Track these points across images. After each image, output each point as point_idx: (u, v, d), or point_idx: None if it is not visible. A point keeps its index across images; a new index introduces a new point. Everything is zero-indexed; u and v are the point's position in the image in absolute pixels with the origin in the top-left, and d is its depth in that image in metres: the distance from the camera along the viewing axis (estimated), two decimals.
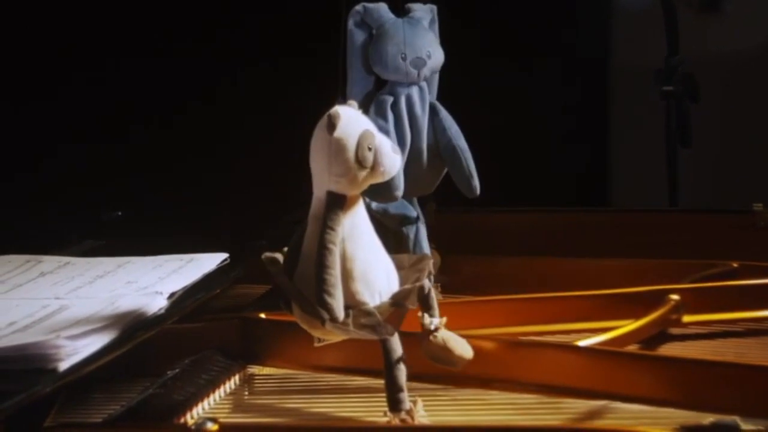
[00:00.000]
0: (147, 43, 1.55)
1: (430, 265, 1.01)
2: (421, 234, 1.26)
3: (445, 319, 0.99)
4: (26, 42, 1.51)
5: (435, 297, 1.00)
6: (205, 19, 1.59)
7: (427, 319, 0.98)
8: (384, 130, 1.20)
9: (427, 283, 0.99)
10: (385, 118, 1.22)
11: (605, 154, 2.13)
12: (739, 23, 1.96)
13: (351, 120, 0.95)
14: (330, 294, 0.92)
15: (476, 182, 1.24)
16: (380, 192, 1.16)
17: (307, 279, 0.94)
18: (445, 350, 0.98)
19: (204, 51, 1.56)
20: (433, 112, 1.26)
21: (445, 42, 1.27)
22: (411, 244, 1.25)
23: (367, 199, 1.21)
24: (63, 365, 0.90)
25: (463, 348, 0.99)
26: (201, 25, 1.58)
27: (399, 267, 1.00)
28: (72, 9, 1.51)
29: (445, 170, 1.27)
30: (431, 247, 1.28)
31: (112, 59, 1.55)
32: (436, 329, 0.98)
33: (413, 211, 1.26)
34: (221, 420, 0.92)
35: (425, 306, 0.99)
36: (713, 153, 1.96)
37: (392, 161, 0.96)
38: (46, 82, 1.52)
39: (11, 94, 1.49)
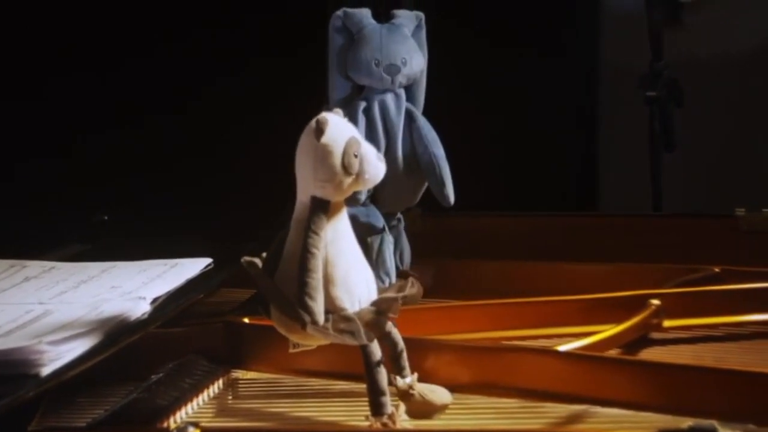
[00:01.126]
0: (141, 44, 1.55)
1: (412, 282, 1.02)
2: (385, 245, 1.25)
3: (416, 375, 1.00)
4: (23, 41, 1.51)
5: (405, 357, 1.01)
6: (193, 21, 1.58)
7: (399, 381, 0.99)
8: None
9: (400, 343, 1.00)
10: (355, 123, 1.22)
11: (594, 159, 2.14)
12: (723, 28, 1.97)
13: (338, 127, 0.96)
14: (311, 297, 0.93)
15: (449, 191, 1.23)
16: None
17: (287, 282, 0.95)
18: (425, 405, 0.99)
19: (198, 52, 1.56)
20: (410, 118, 1.26)
21: (434, 45, 1.28)
22: (374, 254, 1.25)
23: None
24: (45, 370, 0.90)
25: (441, 396, 1.00)
26: (195, 26, 1.57)
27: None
28: (69, 8, 1.50)
29: (425, 181, 1.27)
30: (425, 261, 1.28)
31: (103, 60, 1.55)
32: (411, 387, 0.99)
33: (380, 221, 1.26)
34: (204, 424, 0.93)
35: (396, 367, 1.00)
36: (697, 158, 1.97)
37: (376, 169, 0.97)
38: (41, 83, 1.51)
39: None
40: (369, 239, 1.23)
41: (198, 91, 1.54)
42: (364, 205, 1.24)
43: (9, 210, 1.40)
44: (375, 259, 1.23)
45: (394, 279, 1.24)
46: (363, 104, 1.23)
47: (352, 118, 1.21)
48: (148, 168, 1.51)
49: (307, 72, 1.42)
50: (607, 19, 2.09)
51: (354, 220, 1.19)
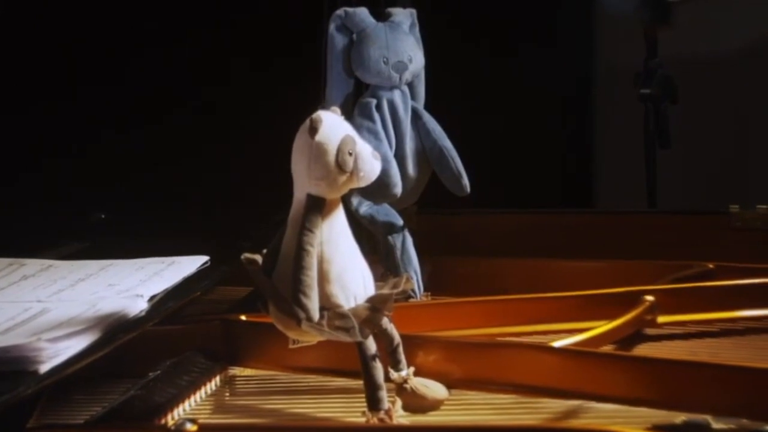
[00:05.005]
0: (140, 45, 1.55)
1: (407, 278, 1.03)
2: (407, 242, 1.27)
3: (412, 369, 1.01)
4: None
5: (401, 352, 1.02)
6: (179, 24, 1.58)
7: (394, 374, 1.00)
8: (372, 131, 1.22)
9: (396, 338, 1.01)
10: (372, 120, 1.23)
11: (589, 156, 2.14)
12: (717, 25, 1.97)
13: (333, 125, 0.97)
14: (306, 294, 0.94)
15: (466, 180, 1.26)
16: (379, 192, 1.17)
17: (284, 280, 0.96)
18: (417, 398, 1.00)
19: (196, 53, 1.56)
20: (416, 116, 1.28)
21: (428, 44, 1.29)
22: (399, 252, 1.26)
23: (354, 206, 1.23)
24: (44, 367, 0.91)
25: (435, 391, 1.01)
26: (193, 26, 1.57)
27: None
28: (68, 10, 1.50)
29: (428, 177, 1.28)
30: (423, 259, 1.29)
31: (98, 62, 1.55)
32: (405, 381, 1.00)
33: (399, 219, 1.27)
34: (202, 421, 0.93)
35: (393, 362, 1.01)
36: (691, 155, 1.97)
37: (372, 166, 0.97)
38: (35, 86, 1.51)
39: None
40: (390, 238, 1.25)
41: (196, 91, 1.55)
42: (376, 203, 1.25)
43: (6, 208, 1.40)
44: (400, 257, 1.25)
45: (420, 275, 1.26)
46: (374, 101, 1.25)
47: (368, 116, 1.23)
48: (145, 167, 1.51)
49: (304, 72, 1.42)
50: (601, 16, 2.10)
51: (373, 219, 1.21)
